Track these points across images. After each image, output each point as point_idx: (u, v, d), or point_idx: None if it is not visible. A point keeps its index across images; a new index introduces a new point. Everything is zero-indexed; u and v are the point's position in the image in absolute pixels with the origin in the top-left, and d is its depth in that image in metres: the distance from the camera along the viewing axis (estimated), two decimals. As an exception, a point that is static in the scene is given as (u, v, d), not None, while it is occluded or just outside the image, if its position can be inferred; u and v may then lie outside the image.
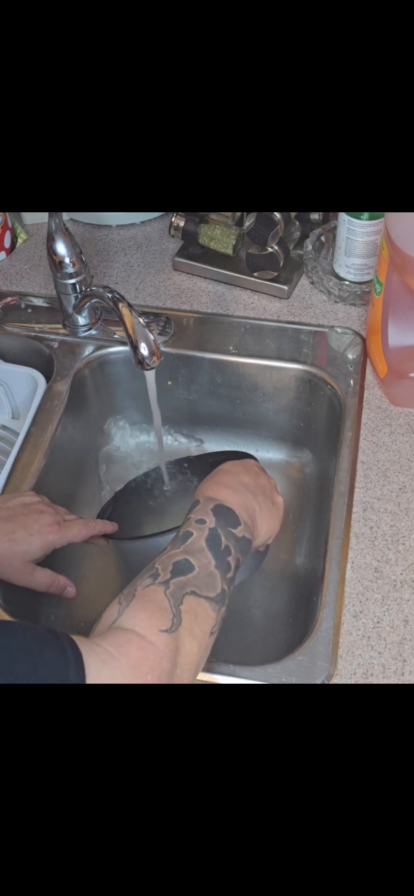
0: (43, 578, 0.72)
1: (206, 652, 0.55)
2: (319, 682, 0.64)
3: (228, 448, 0.91)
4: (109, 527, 0.78)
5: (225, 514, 0.60)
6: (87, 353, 0.95)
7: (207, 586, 0.55)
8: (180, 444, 1.01)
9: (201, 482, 0.66)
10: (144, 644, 0.50)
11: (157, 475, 0.91)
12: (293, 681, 0.64)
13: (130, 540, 0.76)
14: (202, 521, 0.59)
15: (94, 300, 0.89)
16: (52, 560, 0.74)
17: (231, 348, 0.94)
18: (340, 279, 0.97)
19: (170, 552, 0.57)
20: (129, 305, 0.77)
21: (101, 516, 0.84)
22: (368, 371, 0.90)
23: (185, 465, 0.92)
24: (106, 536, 0.78)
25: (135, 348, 0.75)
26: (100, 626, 0.53)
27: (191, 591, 0.54)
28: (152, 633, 0.50)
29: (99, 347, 0.95)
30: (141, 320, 0.76)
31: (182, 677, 0.52)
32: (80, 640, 0.47)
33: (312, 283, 1.00)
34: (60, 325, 0.96)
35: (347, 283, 0.97)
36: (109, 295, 0.80)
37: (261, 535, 0.65)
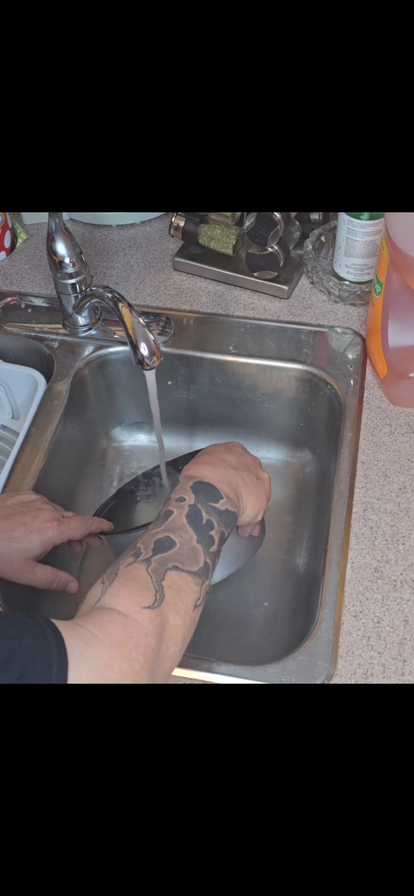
0: (44, 575, 0.72)
1: (191, 625, 0.55)
2: (319, 682, 0.64)
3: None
4: (106, 524, 0.79)
5: (204, 490, 0.60)
6: (87, 353, 0.95)
7: (189, 560, 0.55)
8: (180, 444, 1.01)
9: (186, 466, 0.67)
10: (127, 622, 0.50)
11: (156, 475, 0.91)
12: (293, 681, 0.64)
13: (122, 533, 0.76)
14: (182, 500, 0.59)
15: (94, 300, 0.89)
16: (52, 558, 0.74)
17: (231, 348, 0.94)
18: (340, 279, 0.97)
19: (151, 531, 0.57)
20: (129, 305, 0.77)
21: (99, 514, 0.84)
22: (368, 371, 0.90)
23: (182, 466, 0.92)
24: (101, 534, 0.79)
25: (135, 348, 0.75)
26: (84, 607, 0.53)
27: (173, 566, 0.54)
28: (135, 611, 0.50)
29: (99, 347, 0.95)
30: (141, 320, 0.76)
31: (168, 652, 0.52)
32: (61, 623, 0.46)
33: (312, 283, 1.00)
34: (60, 325, 0.96)
35: (347, 283, 0.97)
36: (109, 295, 0.80)
37: (247, 509, 0.65)
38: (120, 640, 0.48)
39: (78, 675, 0.44)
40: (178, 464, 0.91)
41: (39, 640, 0.44)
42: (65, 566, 0.77)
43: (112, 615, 0.50)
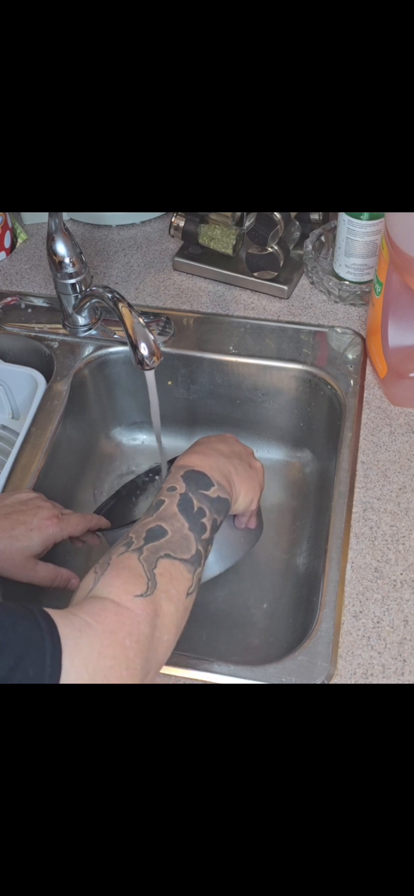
0: (46, 573, 0.72)
1: (184, 613, 0.55)
2: (319, 682, 0.64)
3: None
4: (105, 522, 0.79)
5: (195, 478, 0.61)
6: (87, 353, 0.95)
7: (181, 548, 0.56)
8: (180, 444, 1.01)
9: None
10: (120, 610, 0.50)
11: (156, 473, 0.91)
12: (293, 681, 0.64)
13: (120, 528, 0.76)
14: (172, 489, 0.60)
15: (94, 300, 0.89)
16: (53, 556, 0.74)
17: (231, 348, 0.94)
18: (340, 279, 0.97)
19: (143, 521, 0.57)
20: (129, 305, 0.77)
21: (99, 513, 0.84)
22: (368, 371, 0.90)
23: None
24: (99, 531, 0.79)
25: (135, 348, 0.75)
26: (77, 597, 0.53)
27: (165, 553, 0.54)
28: (128, 599, 0.51)
29: (99, 347, 0.95)
30: (141, 320, 0.76)
31: (161, 639, 0.52)
32: (54, 612, 0.47)
33: (312, 283, 1.00)
34: (60, 325, 0.96)
35: (347, 283, 0.97)
36: (109, 295, 0.80)
37: (240, 497, 0.65)
38: (113, 628, 0.48)
39: (72, 662, 0.45)
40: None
41: (32, 629, 0.44)
42: (66, 563, 0.77)
43: (105, 604, 0.50)
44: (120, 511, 0.88)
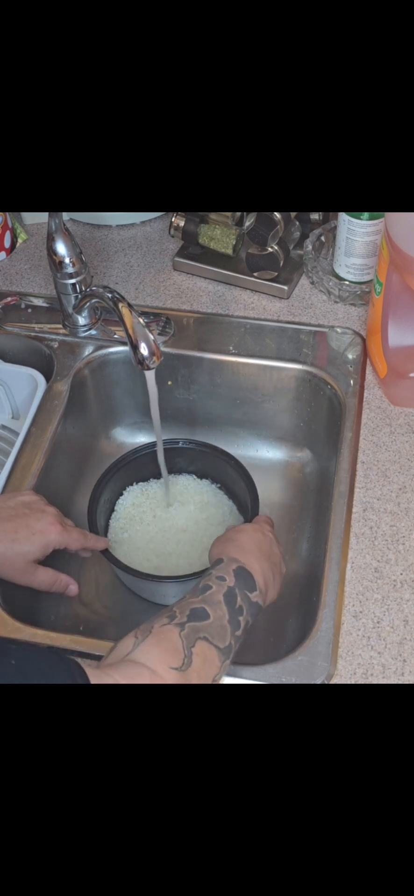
0: (45, 578, 0.72)
1: None
2: (319, 682, 0.64)
3: (227, 448, 0.91)
4: (103, 543, 0.79)
5: (244, 578, 0.63)
6: (87, 353, 0.95)
7: (218, 636, 0.57)
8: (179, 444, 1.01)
9: (221, 539, 0.69)
10: (154, 678, 0.51)
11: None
12: (293, 681, 0.64)
13: (139, 577, 0.79)
14: (222, 578, 0.62)
15: (94, 300, 0.89)
16: (52, 561, 0.74)
17: (231, 348, 0.94)
18: (340, 279, 0.97)
19: (189, 599, 0.59)
20: (129, 305, 0.77)
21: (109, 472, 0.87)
22: (368, 371, 0.90)
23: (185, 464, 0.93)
24: (104, 554, 0.80)
25: (135, 348, 0.75)
26: (113, 656, 0.54)
27: (203, 636, 0.56)
28: (163, 669, 0.52)
29: (99, 347, 0.95)
30: (141, 320, 0.76)
31: None
32: (90, 669, 0.47)
33: (312, 283, 1.00)
34: (60, 325, 0.96)
35: (347, 283, 0.97)
36: (109, 295, 0.80)
37: (267, 599, 0.67)
38: None
39: None
40: (177, 455, 0.91)
41: (66, 681, 0.45)
42: (65, 568, 0.77)
43: (141, 669, 0.51)
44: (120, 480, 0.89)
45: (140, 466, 0.91)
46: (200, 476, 0.94)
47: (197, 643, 0.55)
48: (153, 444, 0.88)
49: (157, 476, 0.92)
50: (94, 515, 0.83)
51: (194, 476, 0.94)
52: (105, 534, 0.88)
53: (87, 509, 0.84)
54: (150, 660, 0.52)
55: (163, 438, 0.85)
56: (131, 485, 0.93)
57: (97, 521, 0.83)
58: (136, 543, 0.87)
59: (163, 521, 0.89)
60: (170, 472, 0.91)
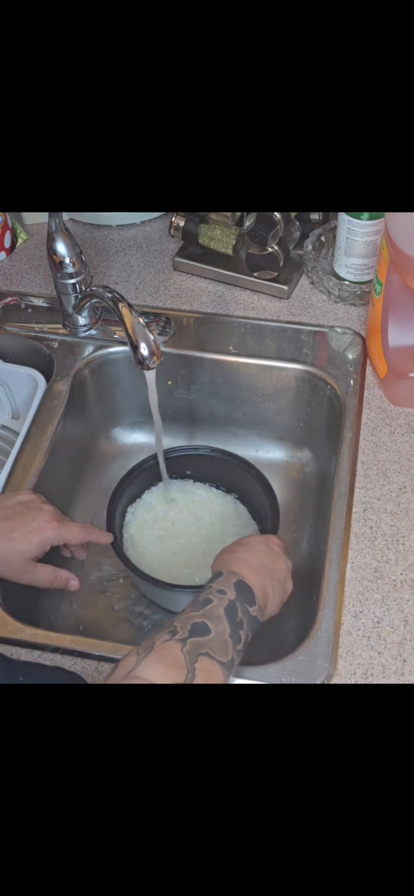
0: (45, 575, 0.72)
1: None
2: (319, 682, 0.64)
3: (227, 448, 0.91)
4: (106, 537, 0.79)
5: (245, 591, 0.62)
6: (87, 353, 0.95)
7: (220, 651, 0.57)
8: (180, 444, 1.01)
9: (224, 551, 0.68)
10: None
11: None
12: (293, 681, 0.64)
13: (153, 584, 0.78)
14: (223, 592, 0.61)
15: (94, 300, 0.89)
16: (52, 557, 0.74)
17: (231, 348, 0.94)
18: (340, 279, 0.97)
19: (189, 613, 0.59)
20: (130, 305, 0.77)
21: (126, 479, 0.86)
22: (368, 371, 0.90)
23: (188, 472, 0.93)
24: (118, 555, 0.79)
25: (135, 348, 0.75)
26: (116, 674, 0.54)
27: (205, 652, 0.56)
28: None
29: (99, 347, 0.95)
30: (141, 320, 0.76)
31: None
32: (92, 685, 0.47)
33: (312, 283, 1.00)
34: (60, 325, 0.96)
35: (347, 283, 0.97)
36: (109, 295, 0.80)
37: (265, 615, 0.66)
38: None
39: None
40: (174, 467, 0.91)
41: None
42: (66, 564, 0.77)
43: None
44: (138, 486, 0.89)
45: (156, 471, 0.91)
46: (213, 482, 0.93)
47: (199, 659, 0.55)
48: (172, 450, 0.89)
49: (168, 478, 0.91)
50: (112, 517, 0.83)
51: (205, 481, 0.93)
52: (121, 535, 0.87)
53: (106, 512, 0.83)
54: (154, 676, 0.52)
55: (173, 445, 0.85)
56: (148, 489, 0.92)
57: (115, 523, 0.83)
58: (147, 545, 0.87)
59: (170, 526, 0.89)
60: (183, 477, 0.91)
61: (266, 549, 0.69)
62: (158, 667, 0.53)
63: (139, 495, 0.91)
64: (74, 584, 0.76)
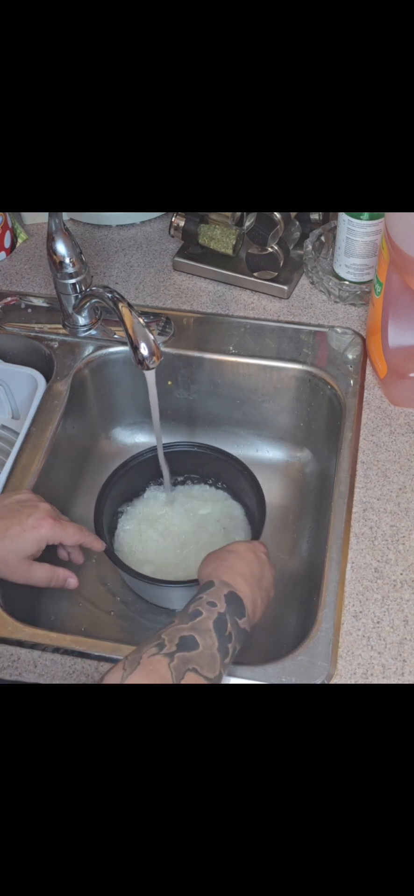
0: (42, 573, 0.72)
1: None
2: (319, 682, 0.64)
3: (228, 448, 0.91)
4: (99, 545, 0.78)
5: (235, 604, 0.62)
6: (87, 353, 0.95)
7: (207, 666, 0.56)
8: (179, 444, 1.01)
9: (212, 558, 0.67)
10: None
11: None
12: (293, 681, 0.64)
13: (141, 579, 0.78)
14: (213, 604, 0.60)
15: (94, 300, 0.89)
16: (50, 556, 0.74)
17: (231, 348, 0.94)
18: (340, 279, 0.97)
19: (178, 625, 0.58)
20: (129, 305, 0.77)
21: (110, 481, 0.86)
22: (368, 371, 0.90)
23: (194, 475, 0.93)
24: (109, 556, 0.79)
25: (135, 348, 0.75)
26: None
27: (193, 667, 0.55)
28: None
29: (99, 347, 0.95)
30: (141, 320, 0.76)
31: None
32: None
33: (312, 283, 1.00)
34: (60, 325, 0.96)
35: (347, 283, 0.97)
36: (109, 295, 0.80)
37: (251, 627, 0.65)
38: None
39: None
40: (185, 458, 0.91)
41: None
42: (63, 562, 0.77)
43: None
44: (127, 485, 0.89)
45: (148, 468, 0.91)
46: (209, 481, 0.93)
47: (186, 675, 0.54)
48: (165, 445, 0.88)
49: (165, 478, 0.91)
50: (100, 517, 0.82)
51: (202, 480, 0.93)
52: (111, 537, 0.87)
53: (94, 511, 0.83)
54: None
55: (170, 441, 0.85)
56: (140, 487, 0.92)
57: (103, 523, 0.83)
58: (140, 545, 0.87)
59: (168, 525, 0.89)
60: (177, 474, 0.90)
61: (255, 558, 0.68)
62: (144, 682, 0.52)
63: (136, 494, 0.91)
64: (73, 581, 0.75)
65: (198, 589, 0.63)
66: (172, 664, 0.54)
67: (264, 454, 0.99)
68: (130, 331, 0.75)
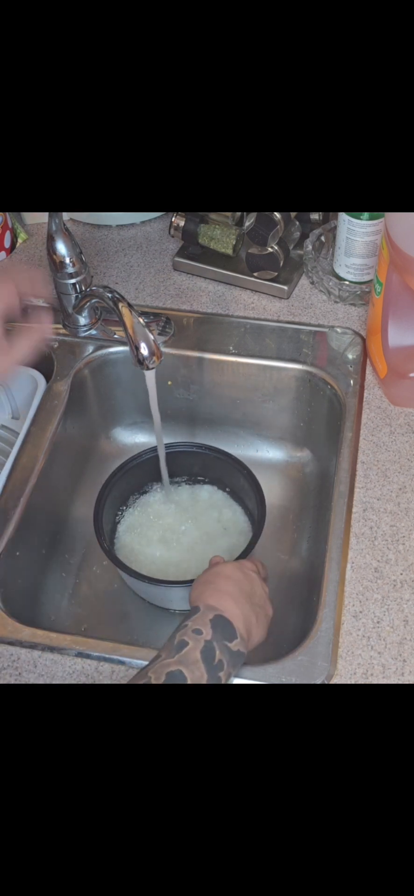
0: (23, 343, 0.71)
1: None
2: (319, 682, 0.64)
3: (228, 448, 0.91)
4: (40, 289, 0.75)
5: (223, 627, 0.59)
6: (87, 353, 0.95)
7: None
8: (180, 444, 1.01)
9: (200, 581, 0.65)
10: None
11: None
12: (293, 681, 0.64)
13: (143, 580, 0.78)
14: (199, 632, 0.58)
15: (94, 300, 0.89)
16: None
17: (231, 348, 0.94)
18: (340, 279, 0.97)
19: (164, 660, 0.55)
20: (129, 305, 0.77)
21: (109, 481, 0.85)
22: (368, 371, 0.90)
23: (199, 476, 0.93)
24: (109, 557, 0.79)
25: (135, 348, 0.75)
26: None
27: None
28: None
29: (99, 347, 0.95)
30: (141, 320, 0.76)
31: None
32: None
33: (312, 283, 1.00)
34: (60, 325, 0.96)
35: (347, 283, 0.97)
36: (109, 295, 0.80)
37: (250, 644, 0.63)
38: None
39: None
40: (185, 459, 0.91)
41: None
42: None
43: None
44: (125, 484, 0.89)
45: (148, 469, 0.90)
46: (209, 481, 0.93)
47: None
48: (166, 446, 0.88)
49: (164, 479, 0.91)
50: (100, 517, 0.82)
51: (202, 480, 0.93)
52: (111, 536, 0.87)
53: (94, 511, 0.83)
54: None
55: (170, 441, 0.85)
56: (140, 487, 0.92)
57: (103, 523, 0.82)
58: (140, 545, 0.87)
59: (168, 525, 0.89)
60: (177, 475, 0.90)
61: (242, 576, 0.65)
62: None
63: (136, 494, 0.91)
64: (46, 328, 0.73)
65: (183, 616, 0.61)
66: None
67: (264, 454, 0.99)
68: (130, 331, 0.75)
